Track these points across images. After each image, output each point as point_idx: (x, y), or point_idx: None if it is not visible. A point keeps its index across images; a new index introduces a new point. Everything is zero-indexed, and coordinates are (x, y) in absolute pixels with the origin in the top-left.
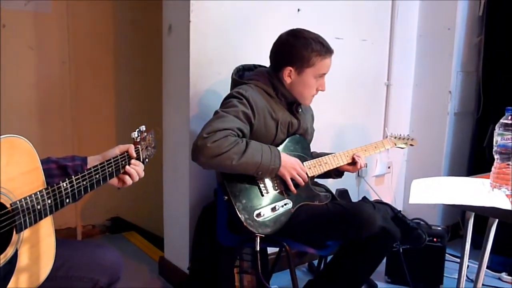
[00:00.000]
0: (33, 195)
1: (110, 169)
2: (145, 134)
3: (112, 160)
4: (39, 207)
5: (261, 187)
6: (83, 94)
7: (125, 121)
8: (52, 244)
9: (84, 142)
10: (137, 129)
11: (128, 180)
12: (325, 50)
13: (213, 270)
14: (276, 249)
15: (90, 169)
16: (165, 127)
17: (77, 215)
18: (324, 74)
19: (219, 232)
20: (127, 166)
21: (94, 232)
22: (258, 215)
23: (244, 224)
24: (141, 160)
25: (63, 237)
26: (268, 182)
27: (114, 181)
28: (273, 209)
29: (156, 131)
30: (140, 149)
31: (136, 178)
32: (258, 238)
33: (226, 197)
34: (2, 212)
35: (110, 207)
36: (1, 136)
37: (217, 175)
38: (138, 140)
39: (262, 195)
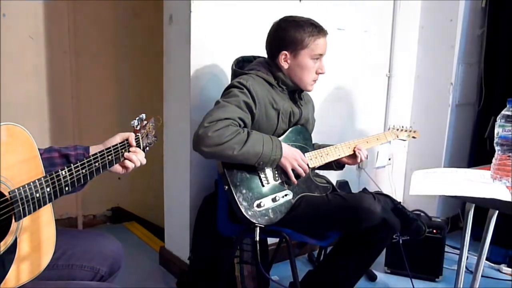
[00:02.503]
0: (31, 183)
1: (109, 157)
2: (145, 122)
3: (111, 148)
4: (37, 195)
5: (261, 177)
6: (83, 84)
7: (126, 111)
8: (53, 232)
9: (85, 132)
10: (137, 118)
11: (130, 165)
12: (318, 30)
13: (214, 260)
14: (276, 240)
15: (89, 157)
16: (166, 117)
17: (78, 205)
18: (321, 55)
19: (219, 222)
20: (126, 153)
21: (95, 222)
22: (259, 205)
23: (244, 214)
24: (142, 148)
25: (64, 226)
26: (269, 172)
27: (118, 168)
28: (274, 200)
29: (156, 119)
30: (140, 137)
31: (138, 163)
32: (258, 228)
33: (226, 187)
34: (1, 200)
35: (111, 197)
36: None
37: (218, 165)
38: (138, 128)
39: (263, 186)
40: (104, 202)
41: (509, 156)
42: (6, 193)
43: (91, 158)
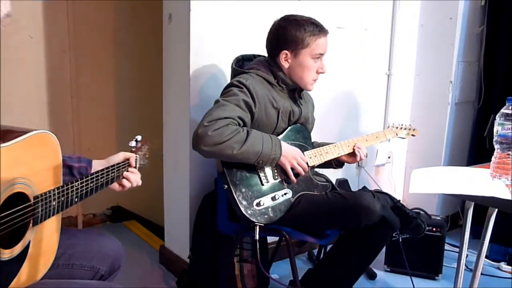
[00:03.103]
0: (51, 191)
1: (113, 174)
2: (140, 144)
3: (115, 166)
4: (54, 203)
5: (261, 176)
6: (83, 83)
7: (125, 110)
8: (56, 240)
9: (85, 131)
10: (134, 139)
11: (127, 184)
12: (319, 29)
13: (213, 259)
14: (276, 238)
15: (98, 172)
16: (166, 116)
17: (78, 204)
18: (321, 54)
19: (219, 221)
20: (125, 172)
21: (95, 221)
22: (258, 204)
23: (244, 213)
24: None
25: (64, 226)
26: (268, 171)
27: (115, 185)
28: (273, 198)
29: (153, 143)
30: (137, 159)
31: (135, 184)
32: (258, 227)
33: (226, 186)
34: (27, 204)
35: (110, 196)
36: (36, 131)
37: (218, 164)
38: (134, 149)
39: (262, 184)
40: (104, 201)
41: (508, 154)
42: (31, 197)
43: (99, 173)
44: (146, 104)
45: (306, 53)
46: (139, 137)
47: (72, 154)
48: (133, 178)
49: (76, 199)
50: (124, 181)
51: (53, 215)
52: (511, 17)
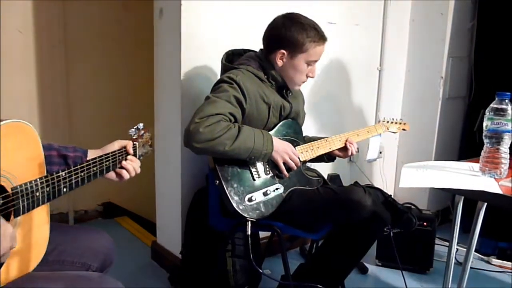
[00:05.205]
0: (33, 182)
1: (107, 163)
2: (142, 132)
3: (110, 155)
4: (38, 194)
5: (252, 171)
6: (74, 78)
7: (117, 105)
8: (47, 233)
9: (76, 126)
10: (135, 127)
11: (125, 175)
12: (320, 37)
13: (205, 255)
14: (268, 234)
15: (89, 161)
16: (157, 112)
17: (69, 200)
18: (316, 61)
19: (211, 217)
20: (123, 161)
21: (87, 217)
22: (250, 199)
23: (236, 208)
24: (137, 157)
25: (55, 222)
26: (260, 166)
27: (112, 175)
28: (265, 194)
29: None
30: (137, 146)
31: (133, 173)
32: (250, 222)
33: (217, 182)
34: (4, 195)
35: (102, 192)
36: (9, 120)
37: (209, 159)
38: (135, 137)
39: (254, 180)
40: (96, 197)
41: (497, 149)
42: (9, 189)
43: (90, 162)
44: (137, 100)
45: (302, 57)
46: (141, 125)
47: (67, 144)
48: (131, 166)
49: (65, 189)
50: (122, 171)
51: (38, 205)
52: (502, 12)
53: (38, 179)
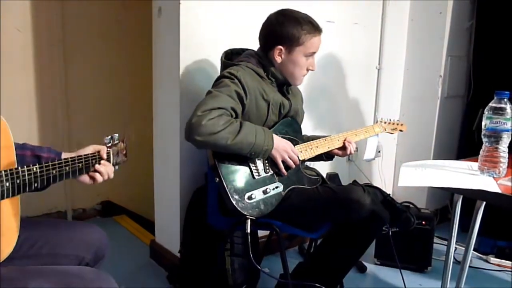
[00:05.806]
0: (1, 172)
1: (80, 164)
2: (117, 141)
3: (83, 157)
4: (7, 184)
5: (252, 169)
6: (73, 77)
7: (115, 104)
8: (16, 225)
9: (75, 125)
10: (110, 136)
11: (99, 178)
12: (315, 28)
13: (204, 253)
14: (267, 232)
15: (61, 160)
16: (155, 111)
17: (67, 199)
18: (314, 52)
19: (209, 215)
20: (97, 165)
21: (85, 215)
22: (250, 197)
23: (236, 206)
24: (113, 164)
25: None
26: (259, 164)
27: (85, 178)
28: (265, 192)
29: (128, 136)
30: (111, 153)
31: (106, 176)
32: (249, 220)
33: (217, 179)
34: None
35: (100, 191)
36: None
37: (209, 156)
38: (109, 145)
39: (254, 178)
40: (94, 196)
41: (496, 147)
42: None
43: (63, 161)
44: (136, 99)
45: (299, 50)
46: (116, 135)
47: (41, 145)
48: (104, 170)
49: (35, 184)
50: (95, 174)
51: (7, 196)
52: (500, 12)
53: (8, 170)
